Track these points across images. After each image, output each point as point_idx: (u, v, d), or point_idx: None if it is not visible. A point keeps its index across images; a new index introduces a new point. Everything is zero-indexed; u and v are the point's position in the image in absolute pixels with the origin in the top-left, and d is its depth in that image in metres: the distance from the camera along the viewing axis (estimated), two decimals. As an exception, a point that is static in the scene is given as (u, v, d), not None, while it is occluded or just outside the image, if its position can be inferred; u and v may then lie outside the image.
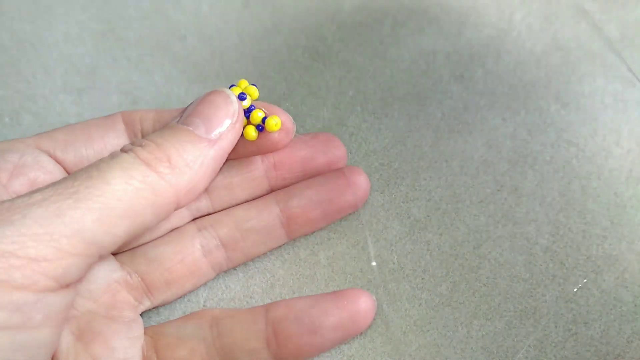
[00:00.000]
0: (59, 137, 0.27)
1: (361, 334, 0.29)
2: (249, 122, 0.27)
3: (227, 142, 0.25)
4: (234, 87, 0.28)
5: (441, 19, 0.39)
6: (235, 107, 0.26)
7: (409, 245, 0.31)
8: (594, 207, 0.31)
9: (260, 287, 0.30)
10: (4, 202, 0.21)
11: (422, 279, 0.30)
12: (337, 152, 0.31)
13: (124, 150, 0.24)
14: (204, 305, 0.30)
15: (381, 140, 0.34)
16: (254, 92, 0.28)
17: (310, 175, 0.31)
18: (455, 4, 0.39)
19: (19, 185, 0.25)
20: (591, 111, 0.34)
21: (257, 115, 0.27)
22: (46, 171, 0.26)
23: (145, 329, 0.28)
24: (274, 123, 0.27)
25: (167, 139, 0.24)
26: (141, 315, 0.29)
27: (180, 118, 0.25)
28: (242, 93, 0.27)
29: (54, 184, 0.22)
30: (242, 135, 0.27)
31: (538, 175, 0.32)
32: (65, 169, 0.27)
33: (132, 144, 0.24)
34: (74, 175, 0.22)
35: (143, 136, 0.28)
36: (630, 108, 0.34)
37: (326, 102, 0.35)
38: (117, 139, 0.28)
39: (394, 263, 0.31)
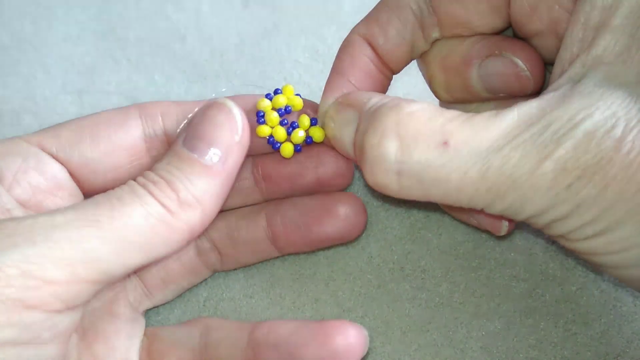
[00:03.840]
0: (64, 135, 0.27)
1: None
2: (287, 139, 0.28)
3: (234, 164, 0.25)
4: (279, 95, 0.28)
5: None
6: (239, 123, 0.25)
7: (409, 245, 0.31)
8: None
9: (260, 287, 0.30)
10: (26, 218, 0.21)
11: (422, 279, 0.30)
12: (327, 169, 0.29)
13: (139, 184, 0.23)
14: (204, 305, 0.30)
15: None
16: (298, 103, 0.28)
17: (303, 192, 0.29)
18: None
19: (21, 191, 0.25)
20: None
21: (298, 135, 0.27)
22: (48, 176, 0.26)
23: (145, 329, 0.28)
24: (319, 135, 0.27)
25: (174, 173, 0.24)
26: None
27: (184, 138, 0.25)
28: (287, 106, 0.27)
29: (76, 208, 0.22)
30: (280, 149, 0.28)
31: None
32: (69, 170, 0.27)
33: (146, 178, 0.24)
34: (96, 200, 0.22)
35: (165, 133, 0.28)
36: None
37: (326, 102, 0.35)
38: (127, 137, 0.27)
39: (394, 263, 0.31)
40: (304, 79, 0.36)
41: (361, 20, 0.28)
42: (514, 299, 0.29)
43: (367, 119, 0.24)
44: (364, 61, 0.27)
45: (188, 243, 0.24)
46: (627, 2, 0.22)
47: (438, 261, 0.31)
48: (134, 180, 0.24)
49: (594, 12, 0.22)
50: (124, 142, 0.27)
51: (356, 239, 0.30)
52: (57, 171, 0.26)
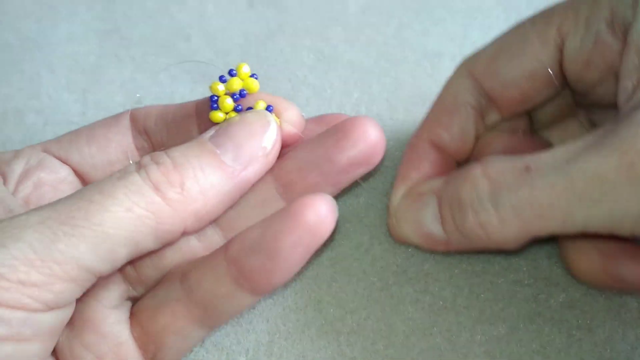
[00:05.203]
0: (64, 139, 0.27)
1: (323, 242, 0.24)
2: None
3: (254, 174, 0.24)
4: (233, 77, 0.26)
5: (447, 21, 0.39)
6: (275, 136, 0.25)
7: (413, 248, 0.31)
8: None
9: (263, 289, 0.30)
10: (1, 220, 0.21)
11: (426, 282, 0.30)
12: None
13: (140, 164, 0.23)
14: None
15: (386, 143, 0.33)
16: (253, 86, 0.26)
17: None
18: (461, 5, 0.39)
19: (26, 189, 0.26)
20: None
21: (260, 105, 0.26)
22: (50, 170, 0.26)
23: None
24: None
25: (189, 158, 0.23)
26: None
27: (214, 134, 0.24)
28: (243, 90, 0.26)
29: (54, 205, 0.21)
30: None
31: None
32: (72, 168, 0.27)
33: (152, 158, 0.23)
34: (78, 195, 0.22)
35: (147, 133, 0.28)
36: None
37: (331, 103, 0.35)
38: (119, 135, 0.28)
39: (397, 266, 0.30)
40: (309, 79, 0.36)
41: (422, 125, 0.29)
42: (518, 303, 0.29)
43: (451, 187, 0.25)
44: (426, 167, 0.29)
45: (181, 235, 0.23)
46: None
47: (442, 265, 0.30)
48: (137, 162, 0.23)
49: None
50: (118, 139, 0.28)
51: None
52: (59, 167, 0.27)
